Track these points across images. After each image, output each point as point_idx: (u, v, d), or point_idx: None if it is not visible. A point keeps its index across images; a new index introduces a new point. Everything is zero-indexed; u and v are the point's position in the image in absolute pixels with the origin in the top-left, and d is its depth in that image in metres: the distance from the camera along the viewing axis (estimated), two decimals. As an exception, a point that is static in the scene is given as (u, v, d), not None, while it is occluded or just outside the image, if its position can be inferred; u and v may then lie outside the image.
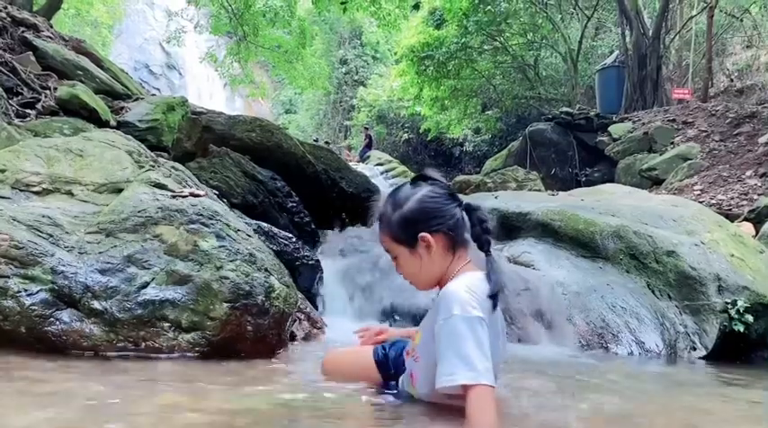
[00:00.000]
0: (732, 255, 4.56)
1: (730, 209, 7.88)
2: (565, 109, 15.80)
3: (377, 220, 2.01)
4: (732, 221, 5.94)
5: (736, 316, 4.12)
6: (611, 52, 18.99)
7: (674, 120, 12.94)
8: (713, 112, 12.72)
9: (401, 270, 1.97)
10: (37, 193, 3.16)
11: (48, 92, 6.18)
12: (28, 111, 5.74)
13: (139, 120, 6.30)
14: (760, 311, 4.19)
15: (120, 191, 3.30)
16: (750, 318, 4.11)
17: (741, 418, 2.50)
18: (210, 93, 40.85)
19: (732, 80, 16.43)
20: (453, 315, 1.69)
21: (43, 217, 2.87)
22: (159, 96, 8.94)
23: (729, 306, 4.17)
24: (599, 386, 3.09)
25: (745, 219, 6.72)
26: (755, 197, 8.26)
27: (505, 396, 2.33)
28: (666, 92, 16.56)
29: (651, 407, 2.61)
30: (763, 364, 4.23)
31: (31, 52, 6.70)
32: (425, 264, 1.89)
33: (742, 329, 4.10)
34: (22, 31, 7.10)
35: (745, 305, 4.14)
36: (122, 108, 6.78)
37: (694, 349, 4.21)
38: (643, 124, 13.20)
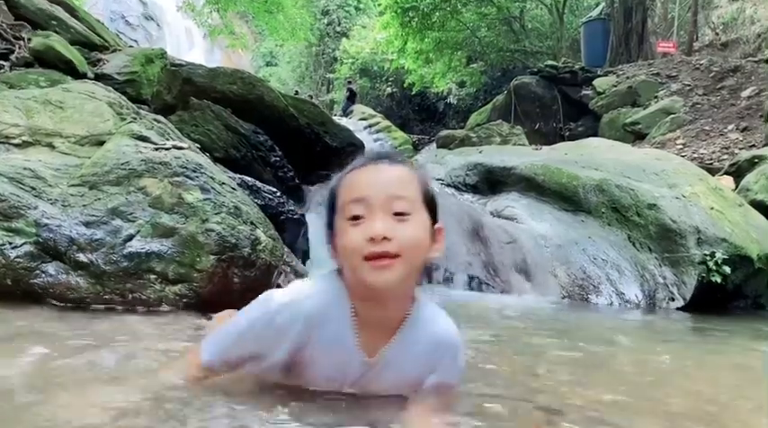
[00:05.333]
0: (712, 208, 4.63)
1: (712, 163, 7.97)
2: (550, 62, 15.68)
3: (390, 159, 1.41)
4: (713, 175, 6.01)
5: (714, 268, 4.21)
6: (598, 4, 18.78)
7: (658, 74, 12.92)
8: (697, 66, 12.71)
9: (403, 233, 1.29)
10: (17, 146, 3.10)
11: (21, 42, 6.00)
12: (2, 62, 5.58)
13: (118, 73, 6.16)
14: (737, 262, 4.28)
15: (101, 143, 3.25)
16: (727, 270, 4.20)
17: (713, 365, 2.58)
18: (189, 44, 39.92)
19: (717, 33, 16.37)
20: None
21: (25, 169, 2.83)
22: (137, 48, 8.73)
23: (708, 257, 4.25)
24: (576, 334, 3.17)
25: (726, 173, 6.80)
26: (736, 151, 8.34)
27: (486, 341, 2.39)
28: (651, 45, 16.48)
29: (624, 353, 2.69)
30: (738, 314, 4.35)
31: (2, 1, 6.48)
32: (424, 255, 1.36)
33: (719, 280, 4.19)
34: (-7, -21, 6.84)
35: (723, 256, 4.23)
36: (99, 60, 6.62)
37: (673, 300, 4.31)
38: (627, 78, 13.17)
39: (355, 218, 1.31)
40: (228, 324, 1.46)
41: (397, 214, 1.30)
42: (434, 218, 1.39)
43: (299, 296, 1.38)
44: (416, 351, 1.41)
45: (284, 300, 1.37)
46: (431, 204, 1.39)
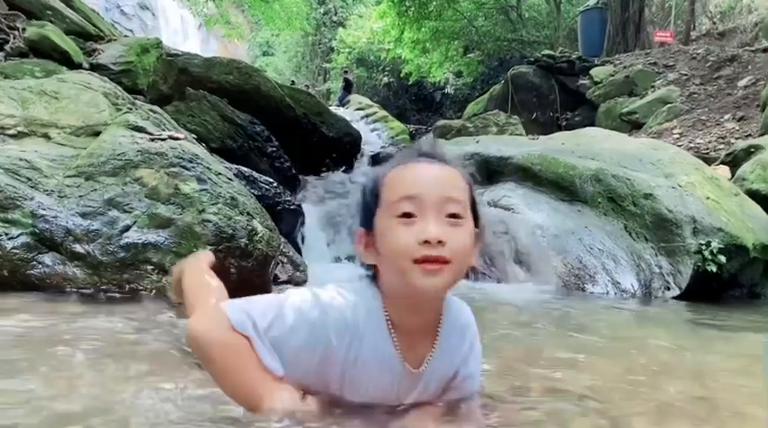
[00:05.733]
0: (708, 198, 4.64)
1: (708, 153, 7.96)
2: (547, 52, 15.64)
3: (439, 158, 1.32)
4: (709, 164, 6.01)
5: (710, 257, 4.22)
6: (595, -7, 18.71)
7: (655, 64, 12.90)
8: (694, 56, 12.69)
9: (456, 238, 1.22)
10: (12, 136, 3.10)
11: (16, 32, 5.97)
12: (-4, 52, 5.56)
13: (113, 63, 6.14)
14: (733, 252, 4.30)
15: (97, 133, 3.25)
16: (723, 259, 4.21)
17: (707, 353, 2.60)
18: (185, 34, 39.70)
19: (714, 23, 16.34)
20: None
21: (21, 160, 2.83)
22: (132, 38, 8.69)
23: (703, 247, 4.26)
24: (570, 322, 3.19)
25: (722, 163, 6.80)
26: (733, 140, 8.34)
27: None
28: (648, 34, 16.44)
29: (618, 341, 2.70)
30: (733, 303, 4.37)
31: (-4, -10, 6.43)
32: (469, 262, 1.29)
33: (715, 269, 4.21)
34: (-14, -32, 6.78)
35: (719, 246, 4.24)
36: (95, 50, 6.59)
37: (668, 289, 4.33)
38: (624, 67, 13.14)
39: (406, 215, 1.21)
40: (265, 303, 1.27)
41: (449, 216, 1.22)
42: (477, 224, 1.31)
43: (341, 304, 1.27)
44: (453, 347, 1.37)
45: (332, 303, 1.26)
46: (475, 209, 1.32)
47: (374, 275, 1.31)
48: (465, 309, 1.42)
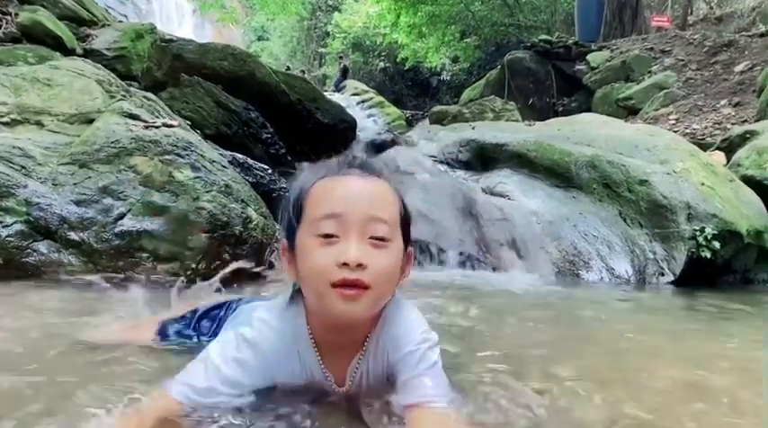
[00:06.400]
0: (703, 184, 4.65)
1: (704, 139, 7.97)
2: (544, 37, 15.58)
3: (374, 173, 1.25)
4: (705, 150, 6.01)
5: (704, 243, 4.24)
6: (592, -22, 18.58)
7: (651, 49, 12.87)
8: (691, 41, 12.66)
9: (378, 261, 1.14)
10: (5, 124, 3.08)
11: (8, 18, 5.92)
12: (-11, 37, 5.51)
13: (107, 48, 6.09)
14: (727, 238, 4.31)
15: (91, 121, 3.23)
16: (717, 245, 4.23)
17: (699, 338, 2.62)
18: (180, 19, 39.38)
19: (711, 7, 16.30)
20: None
21: (14, 148, 2.82)
22: (127, 23, 8.62)
23: (698, 233, 4.28)
24: (564, 309, 3.21)
25: (718, 148, 6.80)
26: (729, 126, 8.35)
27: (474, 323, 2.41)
28: (646, 19, 16.38)
29: (612, 328, 2.72)
30: (727, 289, 4.40)
31: (-13, -25, 6.36)
32: (394, 286, 1.23)
33: (709, 255, 4.23)
34: (-23, -48, 6.71)
35: (713, 232, 4.26)
36: (88, 35, 6.54)
37: (662, 275, 4.35)
38: (621, 53, 13.12)
39: (327, 236, 1.14)
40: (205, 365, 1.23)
41: (373, 238, 1.15)
42: (407, 242, 1.25)
43: (267, 335, 1.25)
44: (381, 360, 1.31)
45: (260, 337, 1.24)
46: (405, 227, 1.24)
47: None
48: (406, 317, 1.31)
